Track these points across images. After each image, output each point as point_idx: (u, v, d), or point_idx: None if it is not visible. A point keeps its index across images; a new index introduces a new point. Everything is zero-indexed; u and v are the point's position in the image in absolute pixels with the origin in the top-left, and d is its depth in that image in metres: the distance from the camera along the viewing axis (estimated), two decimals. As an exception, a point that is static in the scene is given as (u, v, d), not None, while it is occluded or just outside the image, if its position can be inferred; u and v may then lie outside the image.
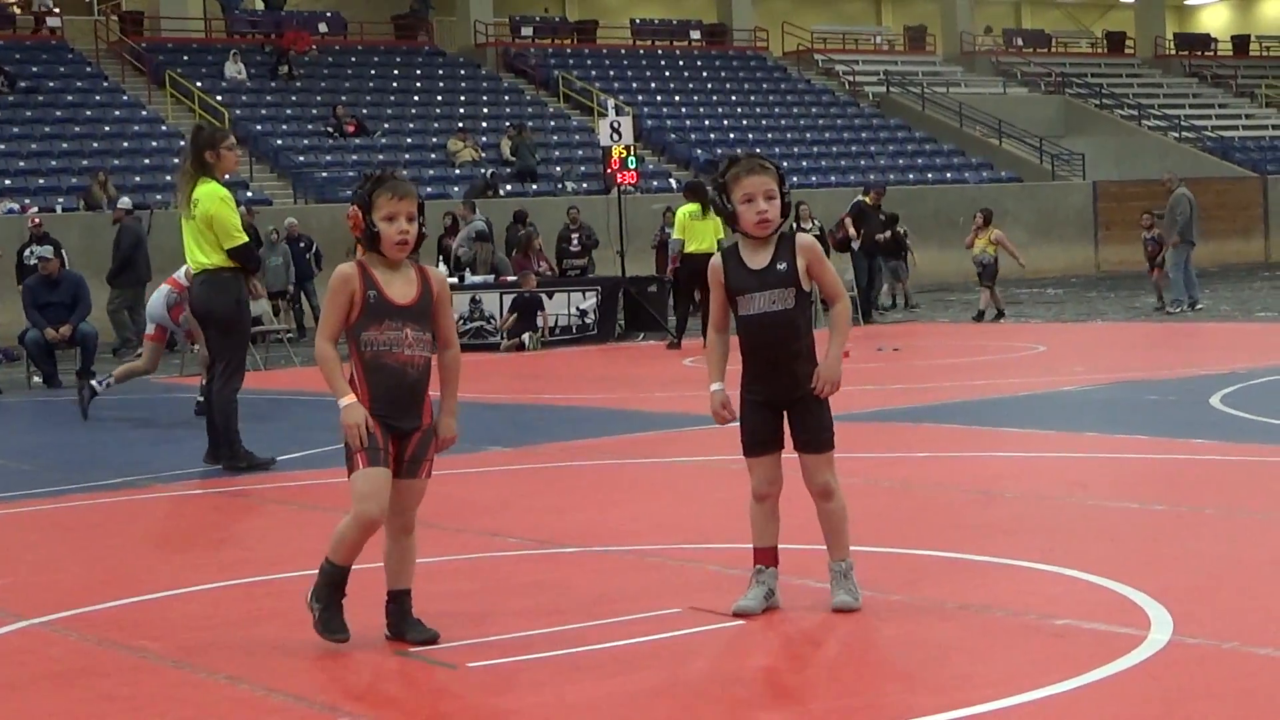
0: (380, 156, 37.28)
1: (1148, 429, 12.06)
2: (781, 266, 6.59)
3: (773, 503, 6.73)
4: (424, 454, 6.39)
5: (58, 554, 9.05)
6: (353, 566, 6.37)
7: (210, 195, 11.63)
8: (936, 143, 46.23)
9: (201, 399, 15.89)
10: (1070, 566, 7.28)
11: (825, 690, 5.72)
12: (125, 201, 27.70)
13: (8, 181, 33.04)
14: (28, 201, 31.80)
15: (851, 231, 26.90)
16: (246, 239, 11.84)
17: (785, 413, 6.68)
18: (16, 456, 13.67)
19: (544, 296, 24.71)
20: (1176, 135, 50.86)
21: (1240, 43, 61.54)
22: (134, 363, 17.18)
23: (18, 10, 42.62)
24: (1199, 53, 59.68)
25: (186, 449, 12.63)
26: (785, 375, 6.63)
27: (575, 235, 28.56)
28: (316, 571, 6.39)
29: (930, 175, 43.19)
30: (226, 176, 12.08)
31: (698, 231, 22.50)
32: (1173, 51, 59.12)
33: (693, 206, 22.66)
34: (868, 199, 27.71)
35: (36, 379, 20.67)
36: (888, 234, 28.14)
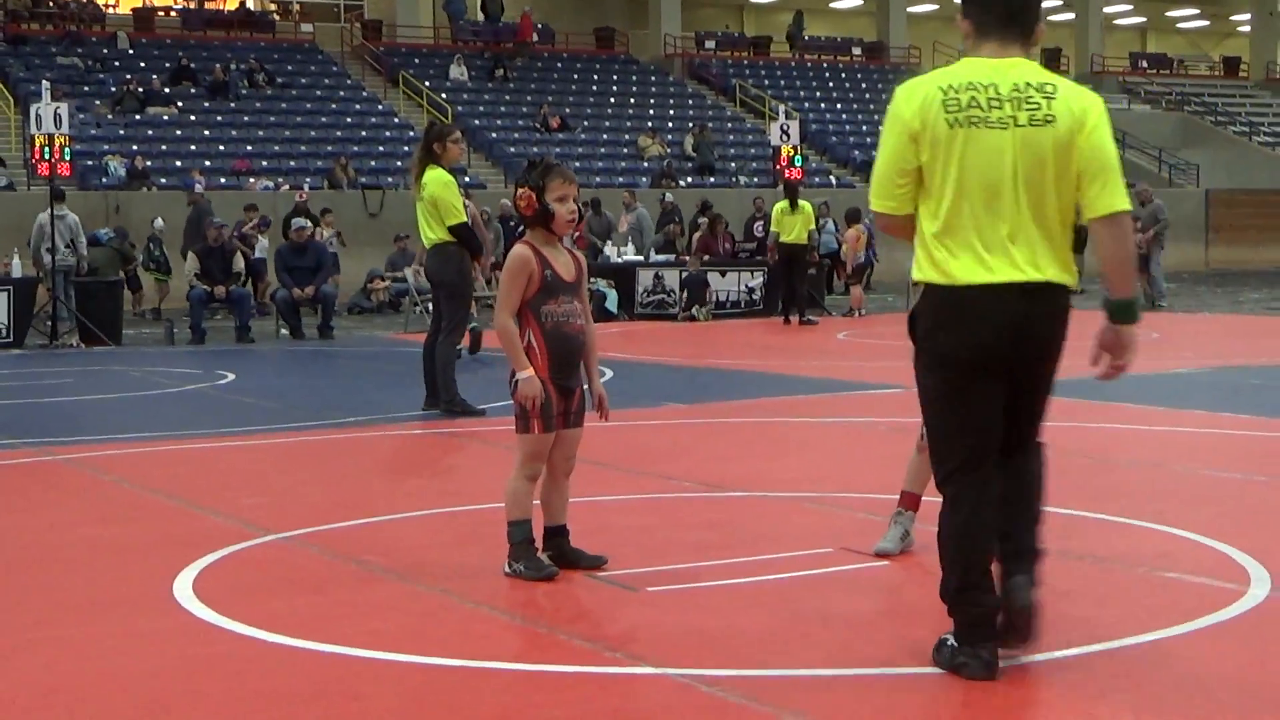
0: (580, 149, 37.49)
1: (1250, 409, 11.78)
2: None
3: None
4: (584, 407, 6.43)
5: (301, 479, 9.23)
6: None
7: (436, 180, 11.76)
8: (1066, 151, 45.47)
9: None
10: (1179, 527, 7.15)
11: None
12: (198, 187, 28.11)
13: (265, 163, 33.67)
14: (280, 180, 32.41)
15: None
16: (465, 219, 11.93)
17: None
18: (267, 397, 13.96)
19: (710, 274, 24.73)
20: (1283, 150, 49.58)
21: (1347, 68, 59.82)
22: None
23: (277, 17, 43.37)
24: (1308, 77, 58.09)
25: (408, 395, 12.79)
26: None
27: (759, 223, 28.18)
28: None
29: (1060, 179, 42.49)
30: (452, 165, 12.18)
31: (789, 225, 22.53)
32: (1283, 75, 57.63)
33: (784, 203, 22.70)
34: None
35: (284, 331, 21.05)
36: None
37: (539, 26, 44.52)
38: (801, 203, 22.90)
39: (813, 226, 23.14)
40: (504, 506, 6.38)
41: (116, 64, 37.23)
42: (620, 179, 35.75)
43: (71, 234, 21.40)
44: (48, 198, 21.40)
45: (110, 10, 41.57)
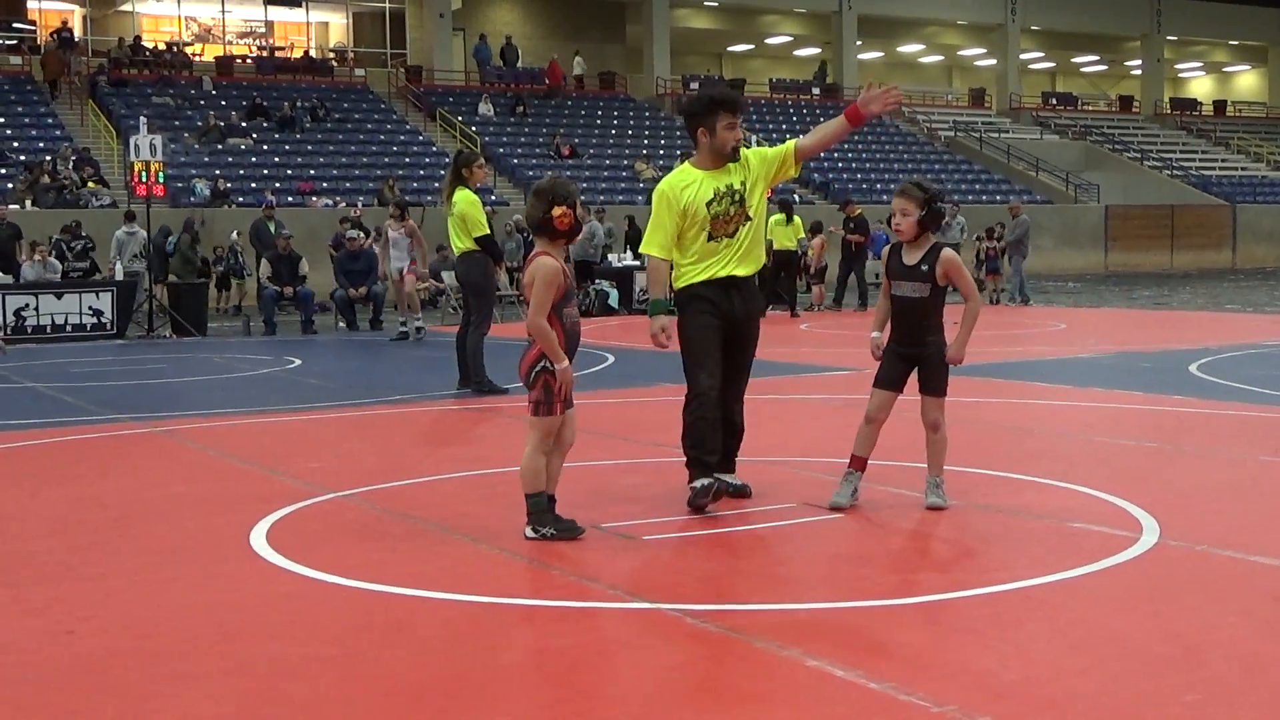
0: (586, 174, 37.40)
1: (1141, 387, 11.79)
2: (924, 267, 6.61)
3: (877, 426, 6.68)
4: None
5: (355, 447, 9.20)
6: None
7: (464, 199, 11.73)
8: (990, 174, 45.41)
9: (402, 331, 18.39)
10: (1081, 484, 7.15)
11: (897, 565, 5.66)
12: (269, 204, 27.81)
13: (325, 184, 33.58)
14: (338, 199, 32.30)
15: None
16: (489, 231, 11.89)
17: (917, 367, 6.66)
18: (326, 378, 13.93)
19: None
20: (1169, 173, 49.54)
21: (1219, 105, 59.89)
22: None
23: (335, 63, 43.21)
24: (1188, 112, 58.08)
25: (445, 377, 12.78)
26: (917, 339, 6.64)
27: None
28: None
29: (984, 198, 42.45)
30: (477, 186, 12.15)
31: (781, 235, 22.62)
32: (1169, 111, 57.59)
33: (780, 216, 22.70)
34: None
35: (341, 324, 21.01)
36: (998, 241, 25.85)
37: (564, 76, 44.40)
38: (795, 217, 23.11)
39: (802, 236, 23.39)
40: (521, 481, 6.10)
41: (202, 102, 37.12)
42: (620, 198, 35.69)
43: (140, 246, 21.90)
44: (139, 215, 21.44)
45: (196, 58, 41.48)
